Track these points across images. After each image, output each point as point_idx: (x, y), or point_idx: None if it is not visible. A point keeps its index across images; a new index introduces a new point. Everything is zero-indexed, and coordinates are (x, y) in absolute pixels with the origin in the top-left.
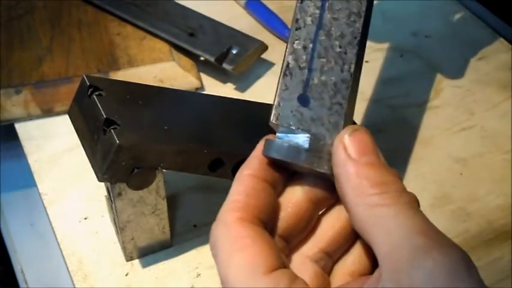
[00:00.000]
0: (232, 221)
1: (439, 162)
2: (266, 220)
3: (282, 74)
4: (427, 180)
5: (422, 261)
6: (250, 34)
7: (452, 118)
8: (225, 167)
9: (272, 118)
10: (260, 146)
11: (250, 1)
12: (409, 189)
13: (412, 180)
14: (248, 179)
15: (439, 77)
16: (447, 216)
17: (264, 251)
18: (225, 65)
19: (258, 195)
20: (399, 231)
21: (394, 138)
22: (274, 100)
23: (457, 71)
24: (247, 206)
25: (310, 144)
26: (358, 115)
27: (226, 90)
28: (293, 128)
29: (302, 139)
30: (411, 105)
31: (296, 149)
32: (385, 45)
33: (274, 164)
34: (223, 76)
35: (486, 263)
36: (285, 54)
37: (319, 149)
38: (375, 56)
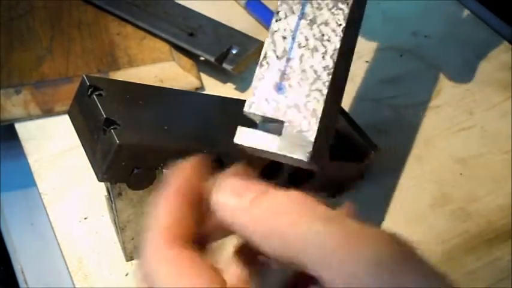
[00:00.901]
0: (169, 245)
1: (439, 162)
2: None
3: (259, 64)
4: (427, 180)
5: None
6: (250, 34)
7: (452, 118)
8: (224, 167)
9: (246, 107)
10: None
11: (250, 1)
12: (409, 189)
13: (412, 180)
14: (175, 200)
15: (439, 77)
16: (447, 216)
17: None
18: (225, 65)
19: (188, 217)
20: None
21: (393, 138)
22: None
23: (459, 73)
24: (179, 230)
25: (284, 131)
26: (359, 115)
27: (226, 90)
28: (268, 116)
29: (276, 127)
30: (411, 105)
31: (269, 136)
32: (385, 45)
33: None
34: (223, 76)
35: (486, 263)
36: (264, 45)
37: (295, 136)
38: (375, 56)
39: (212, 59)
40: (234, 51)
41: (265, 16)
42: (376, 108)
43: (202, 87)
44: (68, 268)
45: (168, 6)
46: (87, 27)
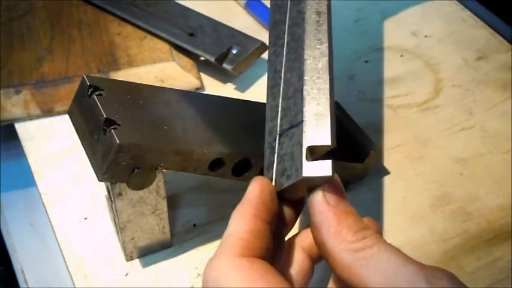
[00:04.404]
0: (241, 256)
1: (439, 162)
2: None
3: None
4: (427, 180)
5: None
6: (250, 34)
7: (452, 118)
8: (225, 167)
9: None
10: (256, 186)
11: (250, 1)
12: (409, 189)
13: (412, 180)
14: (254, 219)
15: (438, 76)
16: (447, 216)
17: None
18: (225, 65)
19: (264, 237)
20: (391, 267)
21: (393, 138)
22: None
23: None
24: (254, 246)
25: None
26: (359, 115)
27: (226, 90)
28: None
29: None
30: (411, 105)
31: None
32: (385, 45)
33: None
34: (223, 76)
35: (486, 263)
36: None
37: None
38: (375, 56)
39: (212, 59)
40: (234, 51)
41: (265, 16)
42: (376, 108)
43: (202, 87)
44: (68, 268)
45: (168, 6)
46: (87, 27)
